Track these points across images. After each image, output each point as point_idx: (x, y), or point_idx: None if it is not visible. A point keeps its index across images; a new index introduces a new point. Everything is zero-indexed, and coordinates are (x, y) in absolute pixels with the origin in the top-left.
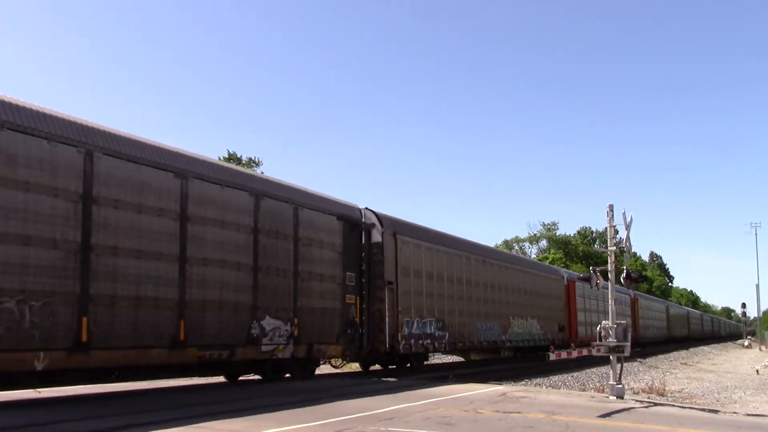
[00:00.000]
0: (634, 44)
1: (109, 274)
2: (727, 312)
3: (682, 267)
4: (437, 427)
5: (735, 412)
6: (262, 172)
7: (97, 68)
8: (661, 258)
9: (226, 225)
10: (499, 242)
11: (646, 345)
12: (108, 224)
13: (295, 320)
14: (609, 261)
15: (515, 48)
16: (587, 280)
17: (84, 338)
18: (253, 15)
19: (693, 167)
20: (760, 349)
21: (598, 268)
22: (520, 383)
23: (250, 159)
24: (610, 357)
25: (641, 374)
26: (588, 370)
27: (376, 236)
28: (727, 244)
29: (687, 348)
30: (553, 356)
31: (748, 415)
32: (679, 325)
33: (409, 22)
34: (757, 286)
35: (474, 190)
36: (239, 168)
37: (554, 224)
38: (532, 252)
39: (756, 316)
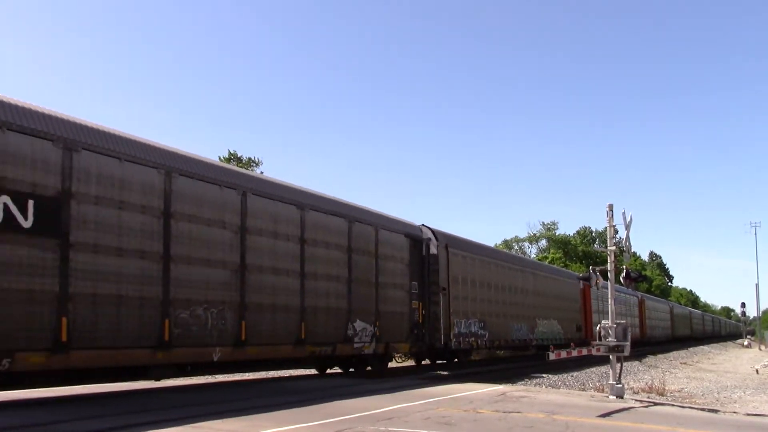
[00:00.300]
0: (634, 44)
1: (257, 287)
2: (727, 312)
3: (682, 267)
4: (437, 427)
5: (735, 412)
6: (262, 172)
7: (97, 68)
8: (660, 258)
9: (330, 246)
10: (499, 242)
11: (653, 344)
12: (255, 247)
13: (377, 323)
14: (609, 261)
15: (515, 48)
16: (587, 279)
17: (243, 337)
18: (253, 15)
19: (693, 167)
20: (760, 349)
21: (597, 268)
22: (520, 383)
23: (250, 159)
24: (610, 357)
25: (641, 374)
26: (588, 370)
27: (433, 249)
28: (727, 244)
29: (687, 347)
30: (552, 356)
31: (748, 414)
32: (682, 325)
33: (409, 22)
34: (757, 285)
35: (474, 190)
36: (339, 199)
37: (554, 224)
38: (532, 252)
39: (756, 315)
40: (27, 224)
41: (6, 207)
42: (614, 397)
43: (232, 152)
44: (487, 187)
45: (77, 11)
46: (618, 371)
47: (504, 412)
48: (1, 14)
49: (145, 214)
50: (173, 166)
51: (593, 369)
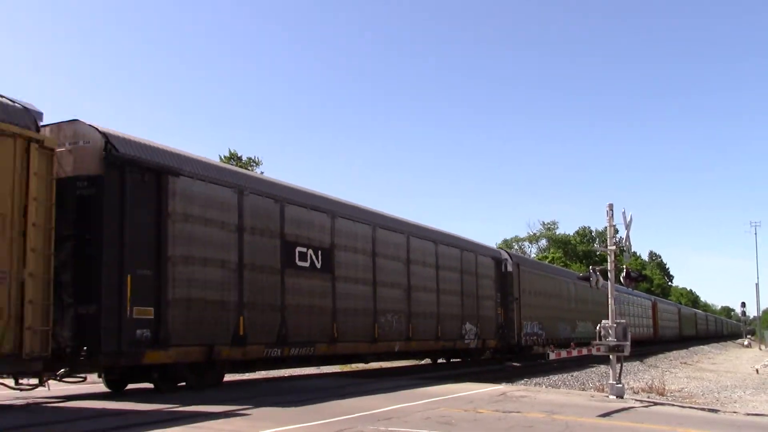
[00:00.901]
0: (634, 44)
1: (417, 301)
2: (727, 311)
3: (682, 266)
4: (437, 427)
5: (735, 412)
6: (262, 172)
7: (97, 68)
8: (660, 257)
9: (448, 269)
10: (499, 242)
11: (665, 343)
12: (415, 272)
13: (478, 324)
14: (609, 260)
15: (515, 48)
16: (587, 279)
17: (410, 335)
18: (253, 15)
19: (693, 167)
20: (760, 349)
21: (598, 268)
22: (520, 383)
23: (250, 159)
24: (610, 356)
25: (641, 374)
26: (588, 370)
27: (509, 267)
28: (727, 244)
29: (687, 347)
30: (553, 355)
31: (748, 414)
32: (688, 326)
33: (409, 22)
34: (757, 285)
35: (474, 190)
36: (454, 233)
37: (554, 224)
38: (532, 252)
39: (756, 315)
40: (318, 265)
41: (312, 256)
42: (614, 397)
43: (232, 152)
44: (487, 187)
45: (77, 11)
46: (618, 371)
47: (504, 412)
48: (1, 14)
49: (366, 255)
50: (373, 221)
51: (593, 369)
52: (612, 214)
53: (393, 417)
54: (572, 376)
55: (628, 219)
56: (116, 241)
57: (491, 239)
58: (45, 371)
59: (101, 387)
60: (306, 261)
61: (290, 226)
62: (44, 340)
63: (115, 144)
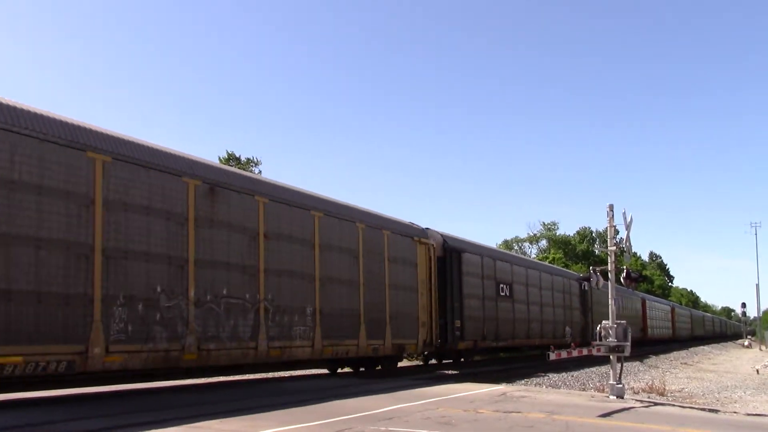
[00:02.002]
0: (634, 44)
1: (532, 313)
2: (727, 312)
3: (683, 267)
4: (437, 427)
5: (735, 412)
6: (260, 172)
7: (97, 68)
8: (661, 258)
9: (541, 287)
10: (499, 242)
11: (681, 341)
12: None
13: (573, 327)
14: (609, 261)
15: (515, 48)
16: (587, 279)
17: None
18: (253, 15)
19: (693, 167)
20: (760, 349)
21: (598, 268)
22: (520, 383)
23: (249, 159)
24: (610, 357)
25: (641, 374)
26: (588, 370)
27: (586, 286)
28: (727, 244)
29: (687, 348)
30: (553, 356)
31: (749, 414)
32: (698, 326)
33: (409, 22)
34: (757, 286)
35: (474, 190)
36: (531, 259)
37: (554, 224)
38: (532, 252)
39: (756, 315)
40: (506, 293)
41: (504, 288)
42: (614, 397)
43: (230, 153)
44: (487, 187)
45: (76, 11)
46: (618, 371)
47: (504, 412)
48: (1, 14)
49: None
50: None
51: (593, 369)
52: (612, 215)
53: (393, 417)
54: (572, 376)
55: (629, 219)
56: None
57: (491, 239)
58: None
59: None
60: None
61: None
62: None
63: (447, 240)
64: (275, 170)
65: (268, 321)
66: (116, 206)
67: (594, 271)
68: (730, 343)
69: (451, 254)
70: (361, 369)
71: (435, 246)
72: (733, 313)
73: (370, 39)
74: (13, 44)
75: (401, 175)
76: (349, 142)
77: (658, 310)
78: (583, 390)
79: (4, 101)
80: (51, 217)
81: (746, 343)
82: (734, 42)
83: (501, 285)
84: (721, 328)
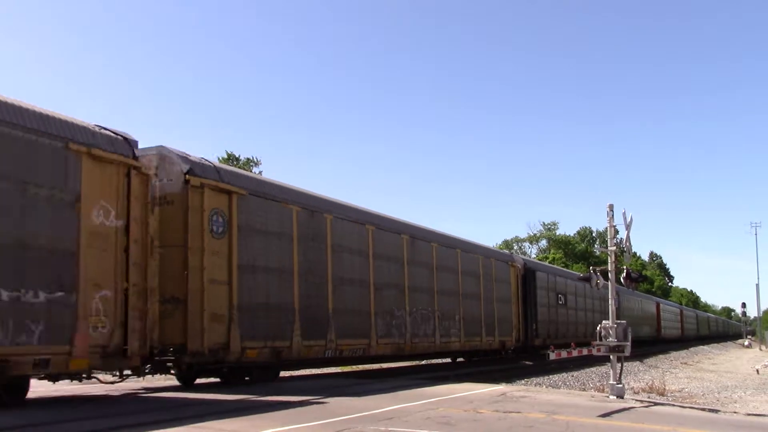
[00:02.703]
0: (634, 44)
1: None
2: (727, 312)
3: (683, 267)
4: (437, 427)
5: (735, 412)
6: (261, 172)
7: (97, 68)
8: (661, 258)
9: (585, 296)
10: (499, 242)
11: (689, 340)
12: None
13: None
14: (609, 261)
15: (515, 48)
16: (587, 280)
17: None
18: (253, 15)
19: (693, 167)
20: (760, 349)
21: (598, 269)
22: (520, 383)
23: (248, 159)
24: (610, 357)
25: (641, 374)
26: (588, 370)
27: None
28: (727, 244)
29: (687, 348)
30: (553, 356)
31: (749, 414)
32: (703, 326)
33: (409, 22)
34: (757, 286)
35: (474, 191)
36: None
37: (554, 224)
38: (532, 252)
39: (756, 315)
40: (563, 302)
41: (561, 298)
42: (614, 397)
43: (230, 153)
44: (487, 187)
45: (76, 11)
46: (618, 371)
47: (504, 412)
48: (1, 14)
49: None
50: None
51: (593, 369)
52: (612, 215)
53: (394, 417)
54: (572, 376)
55: (629, 219)
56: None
57: (491, 239)
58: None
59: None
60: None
61: None
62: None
63: (526, 263)
64: (275, 170)
65: (439, 325)
66: (379, 256)
67: (594, 271)
68: (730, 343)
69: (528, 273)
70: (474, 359)
71: (519, 267)
72: (733, 313)
73: (370, 39)
74: (13, 44)
75: (401, 174)
76: (349, 142)
77: (669, 312)
78: (583, 390)
79: (262, 179)
80: (278, 251)
81: (746, 343)
82: (734, 42)
83: (559, 295)
84: (724, 328)
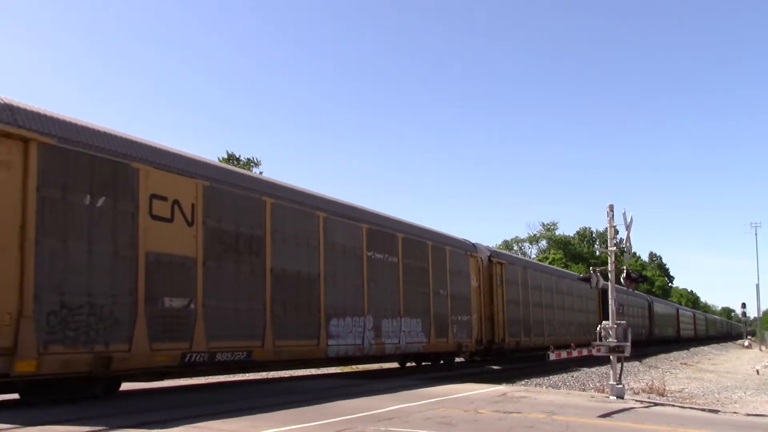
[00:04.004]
0: (634, 44)
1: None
2: (727, 312)
3: (683, 267)
4: (437, 427)
5: (735, 412)
6: (261, 172)
7: (97, 68)
8: (661, 258)
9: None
10: (499, 242)
11: (700, 339)
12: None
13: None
14: (609, 261)
15: (515, 48)
16: (587, 280)
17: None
18: (253, 14)
19: (693, 167)
20: (760, 349)
21: (598, 269)
22: (520, 383)
23: (249, 159)
24: (610, 357)
25: (641, 374)
26: (588, 370)
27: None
28: (727, 244)
29: (687, 348)
30: (553, 356)
31: (749, 415)
32: (711, 328)
33: (409, 21)
34: (757, 286)
35: (474, 190)
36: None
37: (554, 224)
38: (532, 252)
39: (756, 316)
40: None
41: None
42: (615, 398)
43: (230, 153)
44: (487, 187)
45: (77, 11)
46: (618, 372)
47: (504, 413)
48: (1, 14)
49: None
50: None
51: (593, 369)
52: (612, 215)
53: (394, 417)
54: (572, 376)
55: (629, 220)
56: None
57: (491, 239)
58: None
59: None
60: None
61: None
62: None
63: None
64: (275, 170)
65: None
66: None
67: (594, 271)
68: (730, 343)
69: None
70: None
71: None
72: (733, 314)
73: (370, 39)
74: (13, 44)
75: (401, 174)
76: (349, 142)
77: (684, 316)
78: (583, 390)
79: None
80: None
81: (746, 343)
82: (734, 42)
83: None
84: (727, 329)
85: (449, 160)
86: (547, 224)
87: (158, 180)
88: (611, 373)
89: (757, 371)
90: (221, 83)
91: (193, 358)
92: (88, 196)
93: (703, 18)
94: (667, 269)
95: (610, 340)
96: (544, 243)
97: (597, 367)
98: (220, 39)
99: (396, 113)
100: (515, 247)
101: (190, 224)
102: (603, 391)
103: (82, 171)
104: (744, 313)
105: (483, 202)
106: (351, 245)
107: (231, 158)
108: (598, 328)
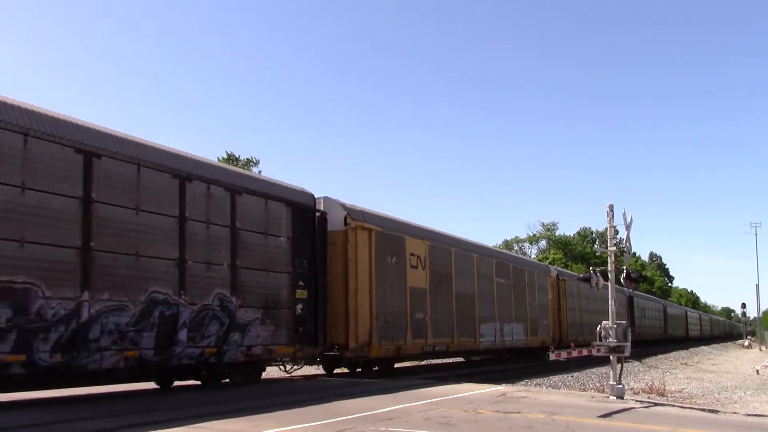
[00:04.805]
0: (634, 44)
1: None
2: (727, 312)
3: (682, 267)
4: (437, 427)
5: (735, 412)
6: (260, 171)
7: (97, 68)
8: (660, 258)
9: (652, 308)
10: (499, 242)
11: (706, 339)
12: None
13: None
14: (609, 261)
15: (515, 48)
16: (587, 280)
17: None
18: (252, 14)
19: (693, 167)
20: (760, 350)
21: (598, 269)
22: (520, 383)
23: (248, 159)
24: (610, 357)
25: (641, 374)
26: (588, 370)
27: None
28: (727, 244)
29: (687, 348)
30: (553, 356)
31: (748, 415)
32: (717, 328)
33: (408, 21)
34: (757, 286)
35: (474, 190)
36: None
37: (554, 224)
38: (532, 252)
39: (756, 316)
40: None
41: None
42: (614, 398)
43: (229, 153)
44: (487, 187)
45: (76, 11)
46: (618, 372)
47: (504, 413)
48: (1, 14)
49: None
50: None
51: (593, 369)
52: (612, 215)
53: (394, 417)
54: (572, 376)
55: (629, 220)
56: None
57: (491, 240)
58: None
59: None
60: None
61: None
62: None
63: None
64: (275, 170)
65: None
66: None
67: (594, 271)
68: (730, 343)
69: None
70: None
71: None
72: (733, 314)
73: (369, 38)
74: (13, 44)
75: (401, 175)
76: (348, 142)
77: (692, 317)
78: (583, 390)
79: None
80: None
81: (746, 343)
82: (734, 42)
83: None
84: (729, 329)
85: (449, 159)
86: (547, 224)
87: (411, 244)
88: (611, 373)
89: (757, 371)
90: (220, 82)
91: (426, 349)
92: (390, 258)
93: (703, 18)
94: (667, 269)
95: (610, 340)
96: (543, 243)
97: (597, 367)
98: (219, 39)
99: (396, 113)
100: (515, 247)
101: (423, 268)
102: (603, 391)
103: (388, 244)
104: (744, 313)
105: (483, 202)
106: (487, 273)
107: (230, 158)
108: (597, 328)
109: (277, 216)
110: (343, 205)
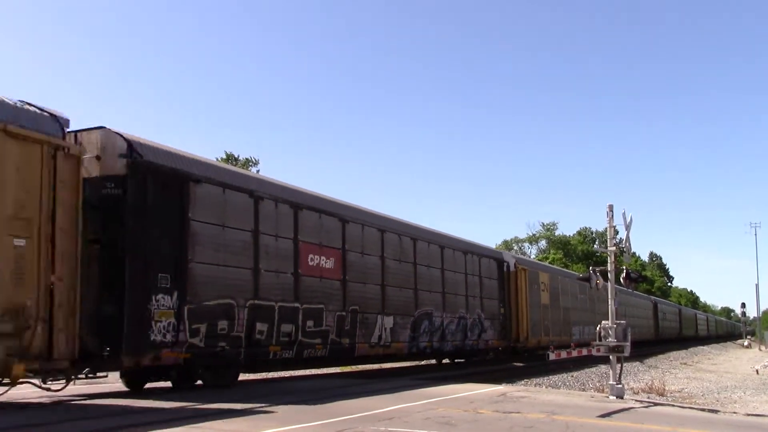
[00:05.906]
0: (634, 44)
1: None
2: (727, 312)
3: (682, 267)
4: (437, 427)
5: (735, 412)
6: (258, 171)
7: (97, 68)
8: (660, 258)
9: (668, 311)
10: (499, 242)
11: (712, 338)
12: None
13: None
14: (609, 261)
15: (515, 48)
16: (587, 280)
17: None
18: (252, 15)
19: (693, 167)
20: (760, 349)
21: (598, 269)
22: (520, 383)
23: (248, 159)
24: (610, 357)
25: (641, 374)
26: (588, 370)
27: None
28: (727, 244)
29: (687, 348)
30: (552, 356)
31: (748, 415)
32: (720, 328)
33: (408, 21)
34: (757, 286)
35: (474, 190)
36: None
37: (554, 224)
38: (532, 252)
39: (756, 316)
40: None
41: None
42: (614, 398)
43: (229, 153)
44: (487, 187)
45: (76, 11)
46: (618, 371)
47: (504, 413)
48: (1, 14)
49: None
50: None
51: (593, 369)
52: (612, 215)
53: (394, 417)
54: (572, 376)
55: (629, 220)
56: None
57: (491, 240)
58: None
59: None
60: None
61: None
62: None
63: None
64: (274, 170)
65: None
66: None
67: (594, 271)
68: (729, 343)
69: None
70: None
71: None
72: (732, 313)
73: (369, 38)
74: (13, 44)
75: (401, 175)
76: (348, 142)
77: (700, 319)
78: (583, 390)
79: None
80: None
81: (746, 343)
82: (734, 42)
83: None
84: (731, 329)
85: (449, 159)
86: (547, 224)
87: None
88: (611, 373)
89: (757, 371)
90: (220, 82)
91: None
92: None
93: (703, 18)
94: (667, 269)
95: (610, 340)
96: (543, 243)
97: (597, 367)
98: (219, 39)
99: (396, 113)
100: (515, 247)
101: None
102: (603, 391)
103: (532, 279)
104: (744, 313)
105: (483, 202)
106: (573, 292)
107: (230, 158)
108: (597, 328)
109: (491, 266)
110: (513, 257)
